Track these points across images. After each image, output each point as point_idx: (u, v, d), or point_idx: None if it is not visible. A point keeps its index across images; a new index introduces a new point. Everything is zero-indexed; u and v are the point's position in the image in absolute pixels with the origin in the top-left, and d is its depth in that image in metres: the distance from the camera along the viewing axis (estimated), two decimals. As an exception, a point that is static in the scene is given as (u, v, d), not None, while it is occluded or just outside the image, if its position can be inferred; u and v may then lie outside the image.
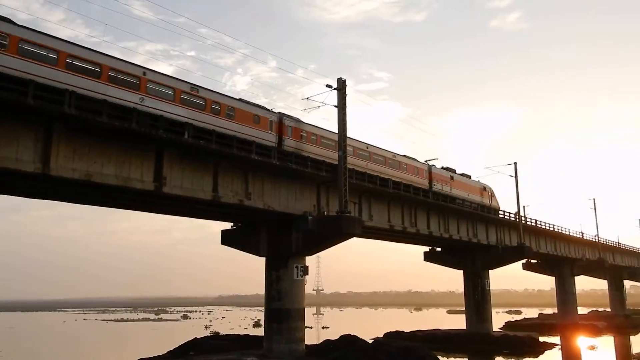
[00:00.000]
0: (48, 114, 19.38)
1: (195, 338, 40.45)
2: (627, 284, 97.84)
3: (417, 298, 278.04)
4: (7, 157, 18.88)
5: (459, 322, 62.39)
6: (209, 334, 53.33)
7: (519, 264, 64.61)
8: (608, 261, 73.69)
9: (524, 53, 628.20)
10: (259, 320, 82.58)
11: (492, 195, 51.24)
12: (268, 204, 28.91)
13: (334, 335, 40.75)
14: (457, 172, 47.45)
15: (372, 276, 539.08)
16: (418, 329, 55.56)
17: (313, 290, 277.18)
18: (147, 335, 70.14)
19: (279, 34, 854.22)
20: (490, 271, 51.01)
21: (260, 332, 42.67)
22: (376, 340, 43.67)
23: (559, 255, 63.80)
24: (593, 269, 74.69)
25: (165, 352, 35.74)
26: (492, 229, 50.95)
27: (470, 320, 50.64)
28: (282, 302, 30.51)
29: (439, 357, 34.62)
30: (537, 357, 41.98)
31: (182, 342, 38.47)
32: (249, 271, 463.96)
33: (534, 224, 56.40)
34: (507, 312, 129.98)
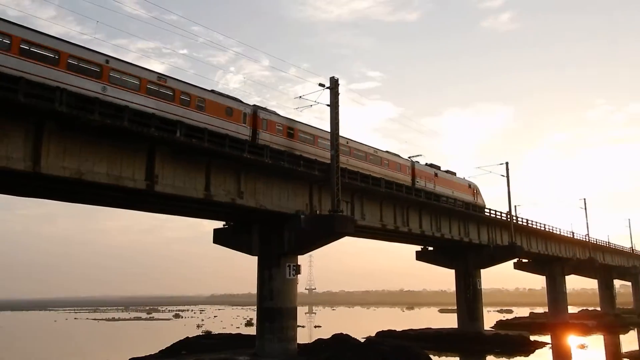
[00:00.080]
0: (39, 111, 19.19)
1: (187, 337, 40.41)
2: (617, 283, 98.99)
3: (409, 297, 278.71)
4: (-3, 155, 18.69)
5: (450, 321, 62.71)
6: (200, 333, 53.34)
7: (510, 263, 65.00)
8: (598, 261, 74.34)
9: (516, 53, 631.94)
10: (251, 319, 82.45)
11: (477, 192, 51.19)
12: (260, 202, 28.85)
13: (326, 334, 40.78)
14: (442, 169, 47.30)
15: (364, 275, 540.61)
16: (410, 327, 55.82)
17: (305, 289, 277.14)
18: (139, 335, 69.90)
19: (272, 32, 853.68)
20: (481, 270, 51.29)
21: (252, 331, 42.64)
22: (368, 339, 43.75)
23: (549, 254, 64.27)
24: (583, 269, 75.39)
25: (156, 352, 35.67)
26: (484, 228, 51.18)
27: (461, 319, 50.89)
28: (275, 301, 30.50)
29: (431, 356, 34.73)
30: (527, 355, 42.29)
31: (174, 342, 38.42)
32: (241, 270, 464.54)
33: (525, 224, 56.75)
34: (498, 311, 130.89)
